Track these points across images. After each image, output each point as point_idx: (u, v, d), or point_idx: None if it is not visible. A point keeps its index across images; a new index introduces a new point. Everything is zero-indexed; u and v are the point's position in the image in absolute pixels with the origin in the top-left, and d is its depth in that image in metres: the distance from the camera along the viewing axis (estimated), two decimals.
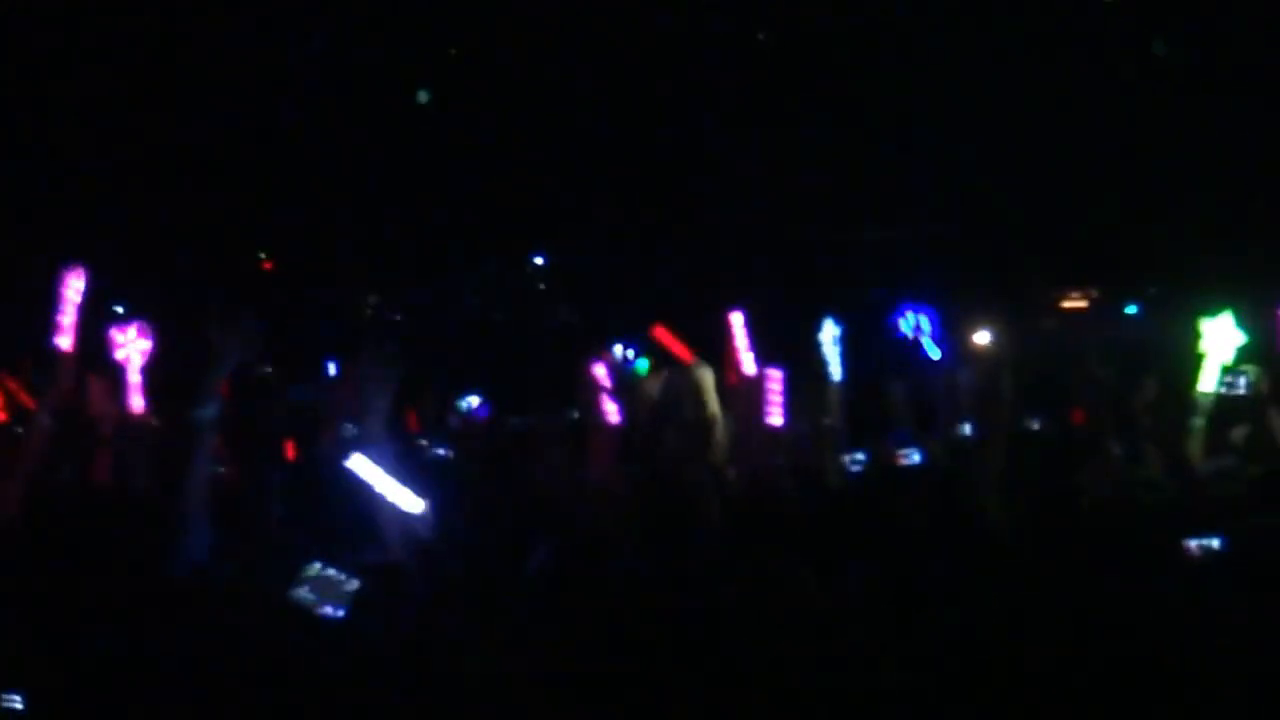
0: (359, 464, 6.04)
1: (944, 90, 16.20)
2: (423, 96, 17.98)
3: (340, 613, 5.03)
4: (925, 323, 8.51)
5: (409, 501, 5.99)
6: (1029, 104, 16.01)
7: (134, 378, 7.00)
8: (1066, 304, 17.22)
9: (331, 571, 5.07)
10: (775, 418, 8.06)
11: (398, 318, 18.00)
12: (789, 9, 16.82)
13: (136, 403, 6.98)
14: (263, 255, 18.05)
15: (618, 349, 10.22)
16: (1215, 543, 6.80)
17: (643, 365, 10.51)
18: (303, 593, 5.05)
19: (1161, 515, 6.62)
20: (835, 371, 8.96)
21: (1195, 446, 7.66)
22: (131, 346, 7.01)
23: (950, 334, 8.59)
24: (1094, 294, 17.28)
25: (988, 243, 16.77)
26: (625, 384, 8.77)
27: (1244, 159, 15.55)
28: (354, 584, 5.06)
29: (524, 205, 17.56)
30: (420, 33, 17.08)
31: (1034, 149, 16.34)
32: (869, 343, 9.95)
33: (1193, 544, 6.74)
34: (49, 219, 15.00)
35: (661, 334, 8.74)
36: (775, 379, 8.10)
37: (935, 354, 8.47)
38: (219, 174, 16.66)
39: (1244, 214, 15.45)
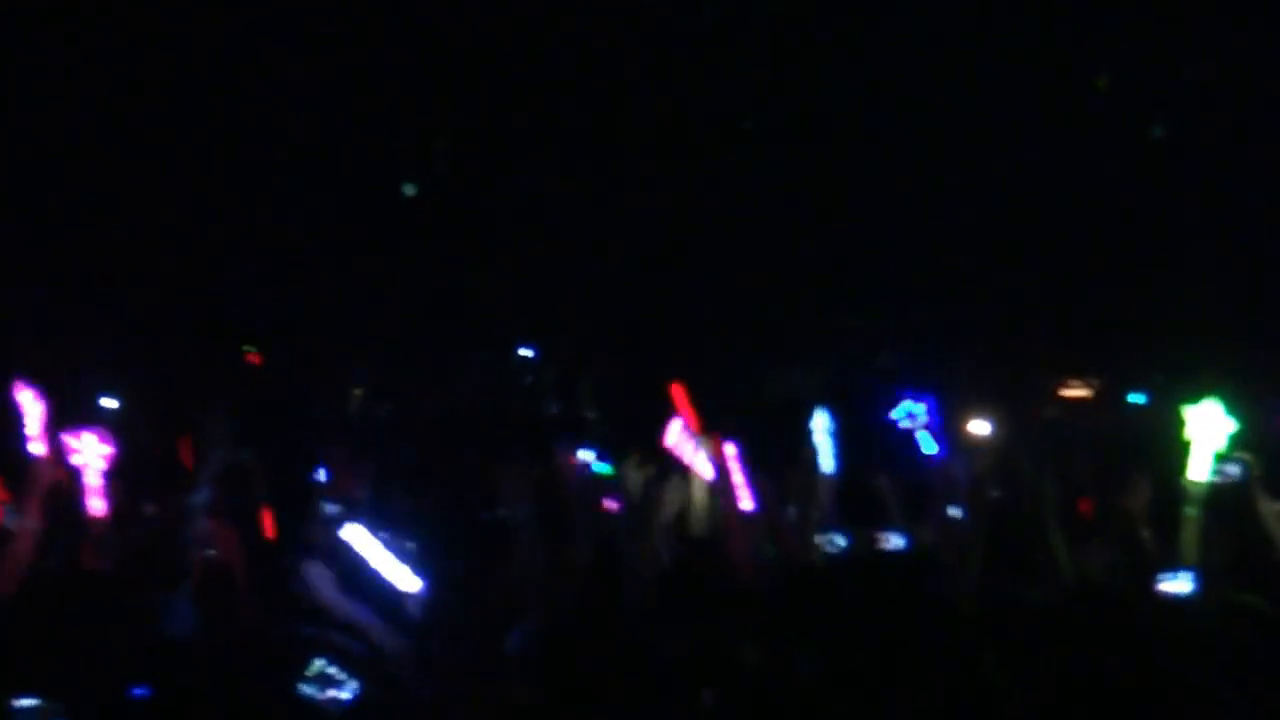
0: (355, 534, 5.99)
1: (938, 174, 16.31)
2: (409, 189, 18.02)
3: (344, 696, 5.29)
4: (922, 413, 8.46)
5: (405, 579, 5.97)
6: (1028, 186, 16.12)
7: (93, 481, 7.00)
8: (1068, 392, 17.26)
9: (334, 669, 5.36)
10: (745, 503, 8.04)
11: (384, 410, 17.92)
12: (776, 94, 16.91)
13: (96, 505, 6.97)
14: (248, 348, 18.01)
15: (583, 453, 10.15)
16: (1187, 582, 6.88)
17: (605, 468, 10.47)
18: (307, 688, 5.32)
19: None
20: (826, 463, 8.95)
21: (1189, 537, 7.65)
22: (89, 453, 7.03)
23: (946, 422, 8.57)
24: (1096, 382, 17.32)
25: (987, 330, 16.84)
26: (591, 486, 8.76)
27: (1246, 243, 15.68)
28: (354, 683, 5.35)
29: (511, 298, 17.59)
30: (406, 125, 17.14)
31: (1034, 233, 16.43)
32: (860, 430, 9.94)
33: (1163, 584, 6.82)
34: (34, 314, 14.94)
35: (678, 394, 8.69)
36: (733, 461, 8.08)
37: (931, 448, 8.43)
38: (204, 266, 16.65)
39: (1246, 299, 15.54)
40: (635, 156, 17.15)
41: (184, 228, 16.40)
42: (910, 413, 8.52)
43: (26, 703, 4.67)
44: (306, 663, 5.34)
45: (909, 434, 8.61)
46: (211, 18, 15.58)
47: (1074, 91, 16.13)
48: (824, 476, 8.95)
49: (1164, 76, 15.78)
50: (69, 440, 7.02)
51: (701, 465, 8.37)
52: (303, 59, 16.15)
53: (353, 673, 5.33)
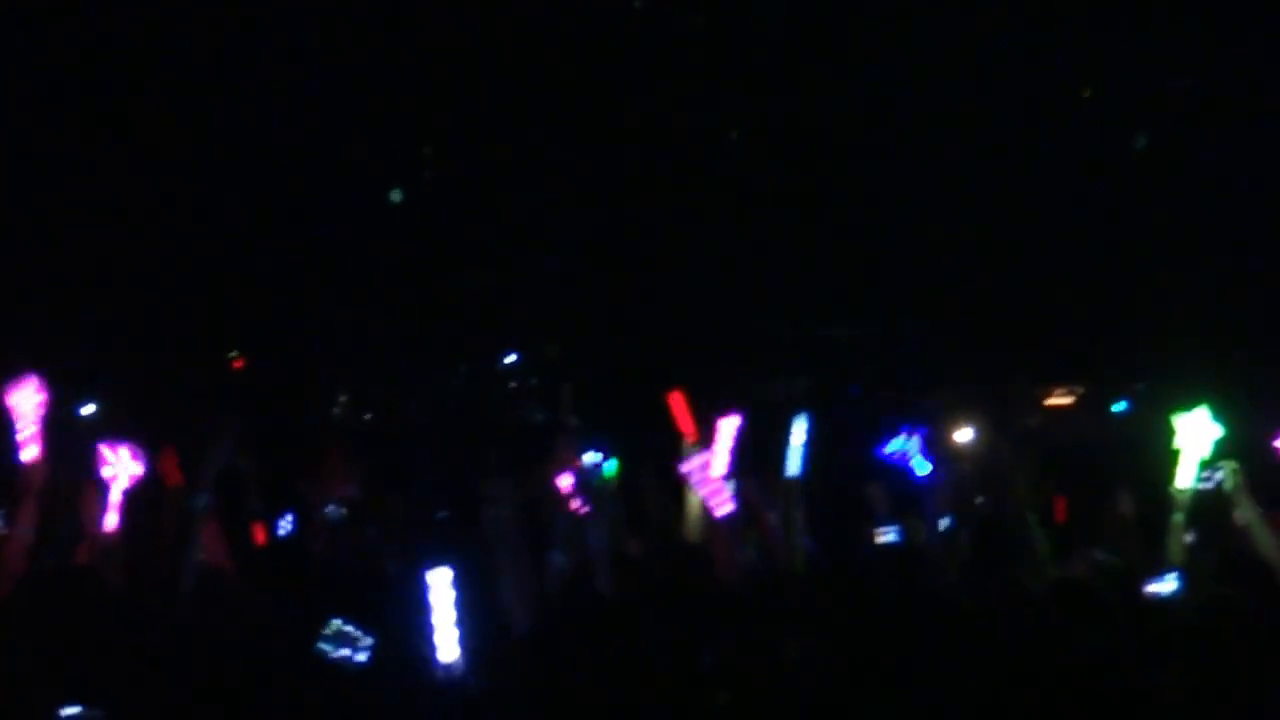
0: (439, 578, 5.99)
1: (923, 185, 16.37)
2: (395, 195, 18.02)
3: (361, 657, 5.43)
4: (915, 447, 8.57)
5: (449, 645, 6.00)
6: (1010, 197, 16.19)
7: (115, 497, 6.90)
8: (1051, 401, 17.38)
9: (350, 627, 5.48)
10: (723, 508, 8.13)
11: (367, 416, 17.94)
12: (763, 107, 16.97)
13: (111, 520, 6.89)
14: (234, 354, 18.01)
15: (588, 455, 10.23)
16: (1172, 584, 6.98)
17: (610, 467, 10.53)
18: (325, 646, 5.44)
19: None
20: (794, 467, 9.06)
21: (1175, 543, 7.74)
22: (121, 467, 6.93)
23: (934, 435, 8.70)
24: (1079, 391, 17.45)
25: (970, 340, 16.91)
26: (592, 487, 8.80)
27: (1228, 253, 15.78)
28: (369, 639, 5.49)
29: (493, 303, 17.62)
30: (393, 131, 17.13)
31: (1016, 244, 16.50)
32: (848, 440, 10.03)
33: (1150, 588, 6.93)
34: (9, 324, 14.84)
35: (676, 402, 8.74)
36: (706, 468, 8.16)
37: (923, 470, 8.53)
38: (189, 271, 16.61)
39: (1228, 307, 15.63)
40: (622, 167, 17.19)
41: (169, 235, 16.37)
42: (904, 450, 8.63)
43: (70, 712, 4.72)
44: (324, 622, 5.45)
45: (903, 461, 8.71)
46: (202, 24, 15.56)
47: (1057, 104, 16.21)
48: (794, 480, 9.06)
49: (1145, 88, 15.86)
50: (104, 451, 6.93)
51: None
52: (290, 67, 16.13)
53: (369, 631, 5.46)
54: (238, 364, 17.97)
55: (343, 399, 17.77)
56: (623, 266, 17.48)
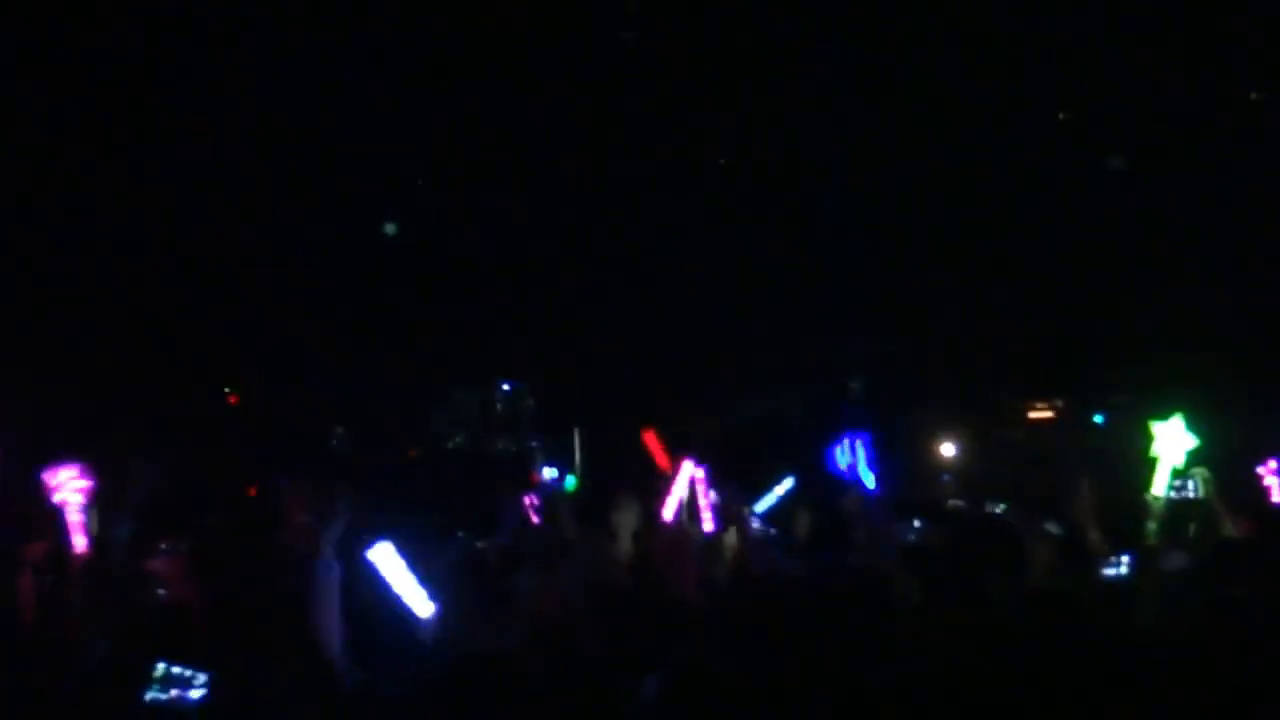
0: (381, 555, 6.00)
1: (902, 205, 16.47)
2: (389, 228, 18.05)
3: (196, 695, 5.25)
4: (861, 450, 8.70)
5: (421, 604, 6.03)
6: (987, 216, 16.30)
7: (74, 517, 6.97)
8: (1033, 415, 17.67)
9: (177, 669, 5.29)
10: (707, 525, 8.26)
11: (366, 446, 17.99)
12: (746, 132, 17.07)
13: (80, 542, 6.93)
14: (228, 390, 18.03)
15: (546, 470, 10.43)
16: (1125, 568, 7.15)
17: (570, 482, 10.69)
18: (154, 693, 5.27)
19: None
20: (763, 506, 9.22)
21: (1150, 551, 7.87)
22: (68, 488, 7.01)
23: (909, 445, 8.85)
24: (1060, 405, 17.73)
25: (951, 357, 17.01)
26: (553, 502, 8.95)
27: (1204, 268, 15.93)
28: (203, 676, 5.31)
29: (489, 333, 17.67)
30: (387, 163, 17.15)
31: (994, 260, 16.61)
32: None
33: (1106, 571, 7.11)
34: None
35: (650, 439, 8.92)
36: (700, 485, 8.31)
37: (870, 481, 8.66)
38: (183, 308, 16.59)
39: (1203, 320, 15.76)
40: (612, 192, 17.26)
41: (164, 267, 16.36)
42: (852, 450, 8.76)
43: None
44: (149, 669, 5.31)
45: (851, 470, 8.83)
46: (196, 54, 15.55)
47: (1035, 123, 16.33)
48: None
49: (1123, 108, 15.99)
50: (48, 478, 7.01)
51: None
52: (284, 99, 16.14)
53: (203, 668, 5.31)
54: (233, 400, 17.99)
55: (339, 430, 17.83)
56: (614, 290, 17.54)
